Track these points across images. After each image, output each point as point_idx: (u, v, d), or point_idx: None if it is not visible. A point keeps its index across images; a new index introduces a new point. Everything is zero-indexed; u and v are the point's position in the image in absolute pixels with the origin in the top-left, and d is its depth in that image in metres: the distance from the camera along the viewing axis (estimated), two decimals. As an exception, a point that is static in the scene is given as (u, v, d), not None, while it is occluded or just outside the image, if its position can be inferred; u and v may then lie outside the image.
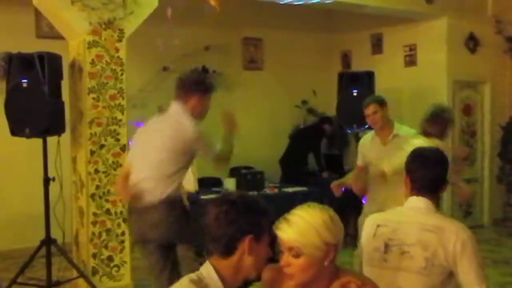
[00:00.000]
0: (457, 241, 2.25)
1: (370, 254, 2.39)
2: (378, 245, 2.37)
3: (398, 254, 2.32)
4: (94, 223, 4.42)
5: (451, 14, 7.07)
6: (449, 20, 7.10)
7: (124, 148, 4.49)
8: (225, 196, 1.98)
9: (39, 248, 4.35)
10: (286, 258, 1.92)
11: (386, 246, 2.35)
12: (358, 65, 8.06)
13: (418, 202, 2.40)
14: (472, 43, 7.37)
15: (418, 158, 2.47)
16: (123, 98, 4.51)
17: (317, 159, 7.56)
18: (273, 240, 1.96)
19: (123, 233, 4.51)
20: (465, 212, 7.29)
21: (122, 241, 4.53)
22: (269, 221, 1.93)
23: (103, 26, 4.39)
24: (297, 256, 1.89)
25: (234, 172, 6.73)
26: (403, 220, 2.38)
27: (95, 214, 4.42)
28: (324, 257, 1.91)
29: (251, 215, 1.89)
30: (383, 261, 2.35)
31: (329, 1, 6.03)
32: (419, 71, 7.41)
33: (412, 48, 7.49)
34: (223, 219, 1.87)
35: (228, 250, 1.89)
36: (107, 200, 4.45)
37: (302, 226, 1.89)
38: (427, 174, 2.40)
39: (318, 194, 6.22)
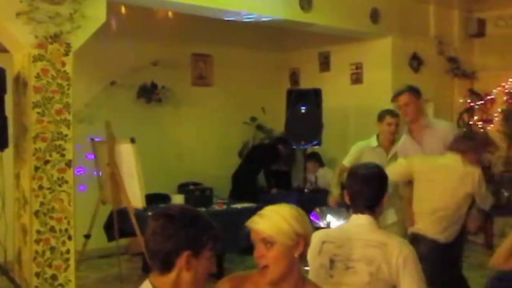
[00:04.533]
0: (399, 255, 2.32)
1: (316, 270, 2.43)
2: (324, 261, 2.41)
3: (343, 270, 2.37)
4: (37, 241, 4.30)
5: (396, 34, 7.29)
6: (394, 40, 7.31)
7: (69, 164, 4.40)
8: (164, 210, 1.91)
9: (-21, 267, 4.20)
10: (260, 249, 2.03)
11: (332, 262, 2.40)
12: (306, 83, 8.19)
13: (360, 220, 2.46)
14: (416, 62, 7.60)
15: (355, 176, 2.52)
16: (69, 113, 4.42)
17: (267, 177, 7.60)
18: (219, 256, 1.95)
19: (68, 251, 4.41)
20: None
21: (67, 259, 4.42)
22: (211, 236, 1.86)
23: (49, 39, 4.32)
24: (270, 245, 2.00)
25: (183, 188, 6.70)
26: (348, 237, 2.43)
27: (38, 232, 4.30)
28: (294, 246, 2.03)
29: (189, 229, 1.82)
30: (328, 277, 2.39)
31: (275, 19, 6.10)
32: (365, 89, 7.58)
33: (358, 66, 7.66)
34: (160, 233, 1.81)
35: (165, 266, 1.82)
36: (51, 217, 4.34)
37: (273, 217, 2.04)
38: (365, 193, 2.45)
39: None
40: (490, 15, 7.79)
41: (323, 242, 2.45)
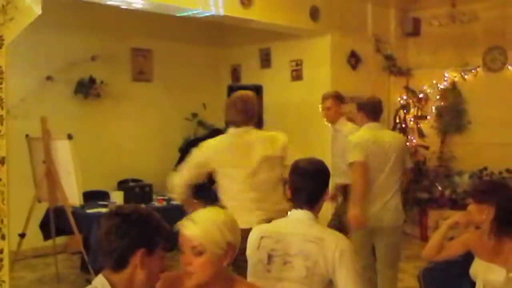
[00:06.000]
0: (336, 250, 2.35)
1: (254, 265, 2.44)
2: (262, 256, 2.43)
3: (280, 265, 2.39)
4: (-31, 241, 4.14)
5: (334, 32, 7.41)
6: (333, 38, 7.42)
7: (3, 161, 4.24)
8: (117, 209, 1.95)
9: None
10: (188, 256, 1.98)
11: (270, 257, 2.41)
12: (247, 79, 8.22)
13: (299, 215, 2.48)
14: (354, 60, 7.75)
15: (297, 171, 2.54)
16: (2, 108, 4.26)
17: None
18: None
19: (1, 251, 4.25)
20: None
21: (1, 260, 4.25)
22: (163, 235, 1.91)
23: (-20, 32, 4.16)
24: (199, 254, 1.95)
25: (122, 184, 6.61)
26: (286, 232, 2.45)
27: (-30, 231, 4.14)
28: (224, 256, 1.99)
29: (143, 228, 1.87)
30: (266, 272, 2.41)
31: (215, 15, 6.09)
32: (305, 85, 7.68)
33: (299, 63, 7.75)
34: (114, 232, 1.84)
35: (119, 264, 1.86)
36: (-17, 216, 4.19)
37: (206, 223, 1.97)
38: (306, 188, 2.47)
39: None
40: (425, 14, 8.04)
41: (262, 237, 2.46)
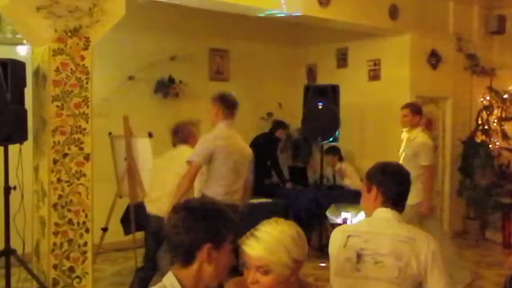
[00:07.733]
0: (428, 251, 2.33)
1: (342, 264, 2.41)
2: (350, 255, 2.40)
3: (371, 264, 2.36)
4: (55, 233, 4.34)
5: (414, 31, 7.23)
6: (412, 37, 7.25)
7: (88, 157, 4.43)
8: (184, 203, 1.93)
9: (-2, 258, 4.25)
10: (253, 275, 1.90)
11: (359, 256, 2.38)
12: (323, 79, 8.16)
13: (387, 214, 2.45)
14: (434, 59, 7.53)
15: (392, 174, 2.52)
16: (88, 107, 4.45)
17: (275, 168, 7.48)
18: (237, 249, 1.95)
19: (85, 244, 4.45)
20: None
21: (84, 252, 4.46)
22: (231, 229, 1.87)
23: (69, 33, 4.35)
24: (265, 273, 1.88)
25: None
26: (375, 231, 2.42)
27: (56, 224, 4.35)
28: (291, 274, 1.92)
29: (209, 222, 1.83)
30: (355, 270, 2.38)
31: (293, 15, 6.08)
32: (382, 85, 7.53)
33: (376, 63, 7.61)
34: (181, 227, 1.82)
35: (187, 259, 1.83)
36: (69, 210, 4.38)
37: (271, 243, 1.88)
38: (400, 191, 2.49)
39: (283, 206, 6.25)
40: (511, 12, 7.70)
41: (349, 236, 2.43)
